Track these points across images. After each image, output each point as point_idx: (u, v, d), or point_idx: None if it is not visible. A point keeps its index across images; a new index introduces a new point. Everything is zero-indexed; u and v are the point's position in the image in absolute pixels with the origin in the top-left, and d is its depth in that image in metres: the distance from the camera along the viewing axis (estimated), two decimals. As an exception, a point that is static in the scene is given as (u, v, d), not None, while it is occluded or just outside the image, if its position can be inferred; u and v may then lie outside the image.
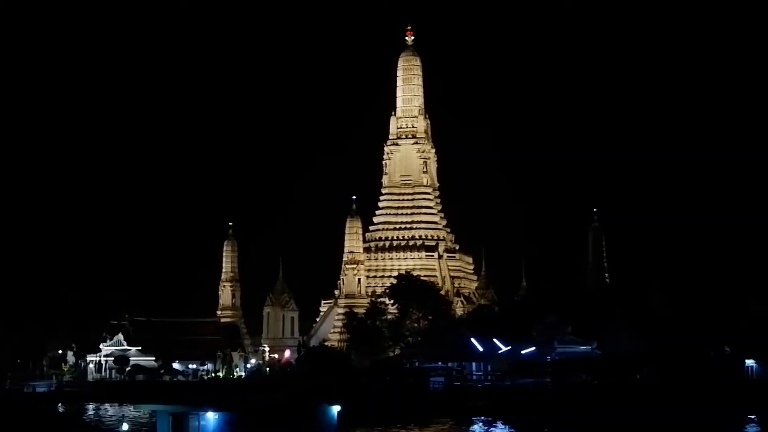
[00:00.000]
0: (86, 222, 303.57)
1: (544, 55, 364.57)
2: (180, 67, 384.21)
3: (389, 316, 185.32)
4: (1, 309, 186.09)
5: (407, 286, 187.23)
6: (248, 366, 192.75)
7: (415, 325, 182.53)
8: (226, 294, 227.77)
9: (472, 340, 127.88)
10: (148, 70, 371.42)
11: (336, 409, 69.32)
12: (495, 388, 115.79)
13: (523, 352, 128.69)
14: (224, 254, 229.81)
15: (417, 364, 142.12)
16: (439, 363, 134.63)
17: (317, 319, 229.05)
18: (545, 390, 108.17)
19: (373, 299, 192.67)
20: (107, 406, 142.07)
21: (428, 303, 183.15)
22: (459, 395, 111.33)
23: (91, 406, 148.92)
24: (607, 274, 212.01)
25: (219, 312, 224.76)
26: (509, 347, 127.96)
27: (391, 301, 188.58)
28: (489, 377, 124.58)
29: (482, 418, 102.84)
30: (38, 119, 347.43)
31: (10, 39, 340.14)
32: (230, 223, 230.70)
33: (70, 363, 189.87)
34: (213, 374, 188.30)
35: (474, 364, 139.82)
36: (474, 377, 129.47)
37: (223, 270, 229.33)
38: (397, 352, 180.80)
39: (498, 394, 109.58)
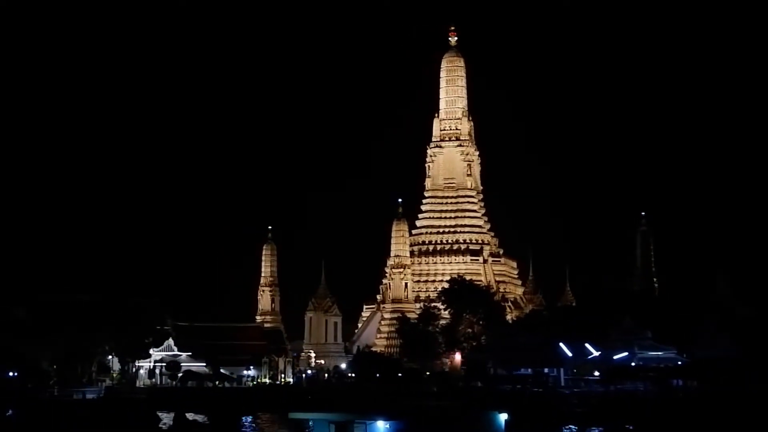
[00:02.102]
0: (119, 225, 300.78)
1: (591, 55, 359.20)
2: (218, 70, 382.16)
3: (442, 321, 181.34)
4: (39, 314, 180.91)
5: (460, 291, 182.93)
6: (309, 372, 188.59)
7: (469, 330, 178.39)
8: (265, 298, 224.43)
9: (561, 345, 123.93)
10: (186, 73, 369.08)
11: (503, 416, 65.64)
12: (591, 394, 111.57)
13: (615, 357, 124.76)
14: (263, 258, 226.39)
15: (492, 369, 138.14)
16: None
17: (358, 324, 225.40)
18: (651, 397, 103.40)
19: (425, 304, 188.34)
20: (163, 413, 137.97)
21: (481, 308, 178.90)
22: (558, 402, 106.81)
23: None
24: (655, 278, 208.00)
25: (258, 317, 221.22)
26: (599, 352, 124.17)
27: (443, 306, 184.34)
28: (582, 383, 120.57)
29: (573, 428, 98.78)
30: (74, 126, 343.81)
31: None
32: (269, 227, 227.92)
33: (116, 368, 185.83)
34: (262, 380, 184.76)
35: (546, 369, 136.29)
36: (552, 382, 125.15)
37: (262, 274, 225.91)
38: (454, 358, 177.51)
39: (600, 401, 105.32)
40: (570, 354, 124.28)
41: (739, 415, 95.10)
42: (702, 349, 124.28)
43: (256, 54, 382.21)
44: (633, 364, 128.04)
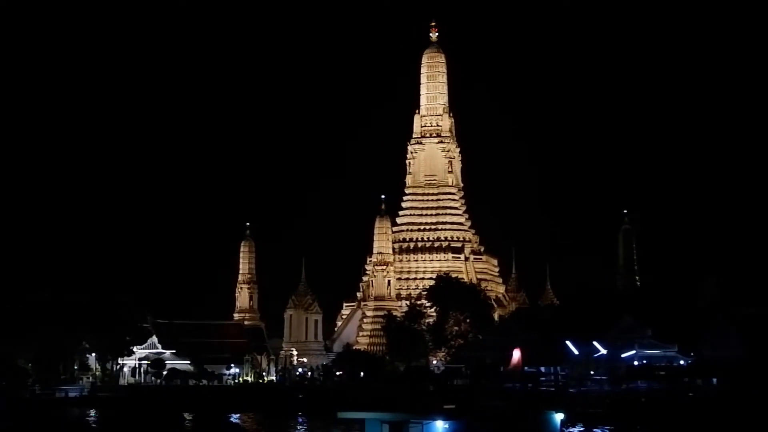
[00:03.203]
0: (94, 223, 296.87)
1: (575, 51, 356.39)
2: (197, 67, 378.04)
3: (428, 320, 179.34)
4: (16, 312, 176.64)
5: (447, 288, 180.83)
6: (300, 371, 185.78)
7: (456, 328, 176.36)
8: (243, 296, 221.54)
9: (568, 343, 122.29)
10: (165, 72, 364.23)
11: (559, 416, 63.76)
12: (602, 393, 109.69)
13: (623, 355, 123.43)
14: (241, 255, 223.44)
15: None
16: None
17: (337, 322, 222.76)
18: (671, 397, 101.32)
19: (411, 302, 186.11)
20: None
21: (468, 306, 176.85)
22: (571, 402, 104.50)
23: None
24: (638, 277, 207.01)
25: (236, 314, 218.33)
26: (607, 350, 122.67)
27: (429, 304, 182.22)
28: (588, 382, 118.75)
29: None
30: (56, 123, 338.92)
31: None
32: (247, 224, 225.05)
33: (95, 366, 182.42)
34: (244, 378, 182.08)
35: (543, 368, 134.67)
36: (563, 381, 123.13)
37: (240, 271, 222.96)
38: (440, 356, 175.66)
39: (612, 400, 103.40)
40: (577, 352, 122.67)
41: (755, 416, 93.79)
42: (711, 348, 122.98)
43: (235, 52, 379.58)
44: (636, 362, 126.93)
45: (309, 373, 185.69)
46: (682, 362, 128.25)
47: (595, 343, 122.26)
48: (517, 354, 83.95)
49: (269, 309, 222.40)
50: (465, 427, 59.78)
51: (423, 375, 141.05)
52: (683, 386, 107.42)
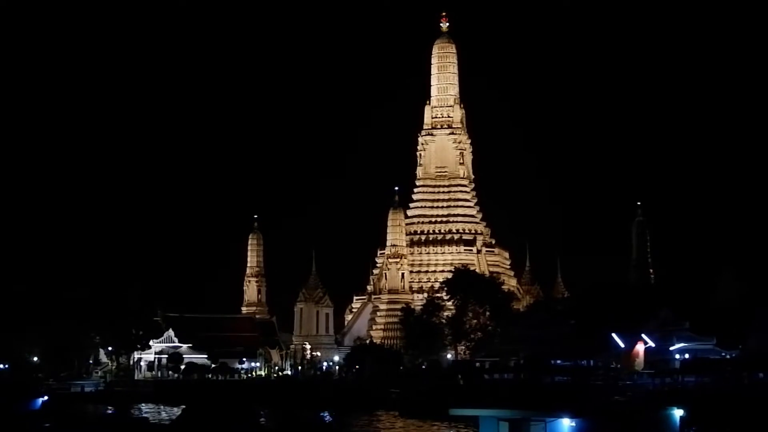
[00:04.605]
0: (100, 217, 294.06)
1: (587, 41, 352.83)
2: (204, 59, 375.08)
3: (446, 313, 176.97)
4: (25, 308, 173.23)
5: (465, 281, 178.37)
6: (324, 365, 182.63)
7: (474, 321, 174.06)
8: (251, 289, 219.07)
9: (614, 335, 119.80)
10: (172, 66, 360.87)
11: (679, 413, 61.48)
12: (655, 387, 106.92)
13: (671, 348, 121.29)
14: (249, 248, 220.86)
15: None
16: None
17: (346, 316, 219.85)
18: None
19: (429, 295, 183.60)
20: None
21: (488, 298, 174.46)
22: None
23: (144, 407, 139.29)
24: (651, 270, 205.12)
25: (244, 308, 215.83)
26: (654, 344, 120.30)
27: (447, 297, 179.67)
28: (635, 375, 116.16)
29: None
30: (63, 118, 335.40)
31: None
32: (255, 216, 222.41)
33: (105, 361, 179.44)
34: (258, 372, 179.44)
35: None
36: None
37: (248, 264, 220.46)
38: (461, 350, 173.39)
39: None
40: (623, 345, 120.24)
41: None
42: (756, 341, 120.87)
43: (244, 44, 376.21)
44: (677, 356, 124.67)
45: (324, 367, 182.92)
46: (724, 355, 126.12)
47: (643, 335, 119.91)
48: (641, 347, 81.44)
49: (276, 302, 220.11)
50: (591, 426, 57.32)
51: (465, 370, 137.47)
52: (745, 381, 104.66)
